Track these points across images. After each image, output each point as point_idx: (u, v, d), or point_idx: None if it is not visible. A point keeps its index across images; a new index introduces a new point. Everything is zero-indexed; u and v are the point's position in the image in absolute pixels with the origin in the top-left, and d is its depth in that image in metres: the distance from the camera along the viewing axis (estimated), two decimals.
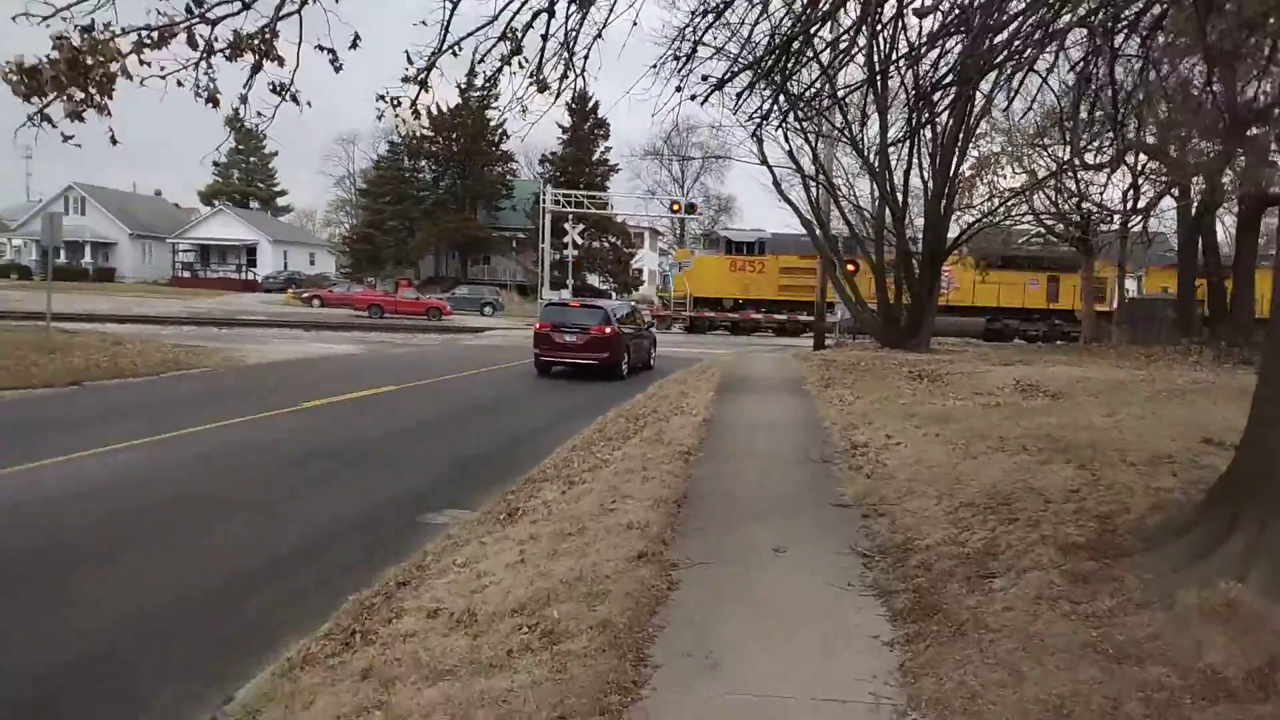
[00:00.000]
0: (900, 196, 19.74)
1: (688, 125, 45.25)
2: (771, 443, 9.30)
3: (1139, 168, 22.50)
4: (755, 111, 18.52)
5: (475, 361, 23.34)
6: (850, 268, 23.12)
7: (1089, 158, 24.55)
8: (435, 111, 59.69)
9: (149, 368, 18.84)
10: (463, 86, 60.05)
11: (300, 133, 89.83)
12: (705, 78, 6.41)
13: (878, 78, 18.20)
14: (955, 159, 19.29)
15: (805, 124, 19.21)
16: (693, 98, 6.22)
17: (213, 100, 4.53)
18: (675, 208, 47.49)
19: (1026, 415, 9.27)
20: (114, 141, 4.29)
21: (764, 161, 20.20)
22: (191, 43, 4.20)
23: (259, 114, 5.70)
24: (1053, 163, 24.96)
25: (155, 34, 4.04)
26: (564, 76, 6.45)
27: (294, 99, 5.88)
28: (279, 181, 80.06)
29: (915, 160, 19.21)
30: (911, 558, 5.29)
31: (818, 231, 22.03)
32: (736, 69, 6.78)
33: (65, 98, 3.83)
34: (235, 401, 14.85)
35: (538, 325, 20.95)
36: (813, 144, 20.27)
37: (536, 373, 20.73)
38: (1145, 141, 22.07)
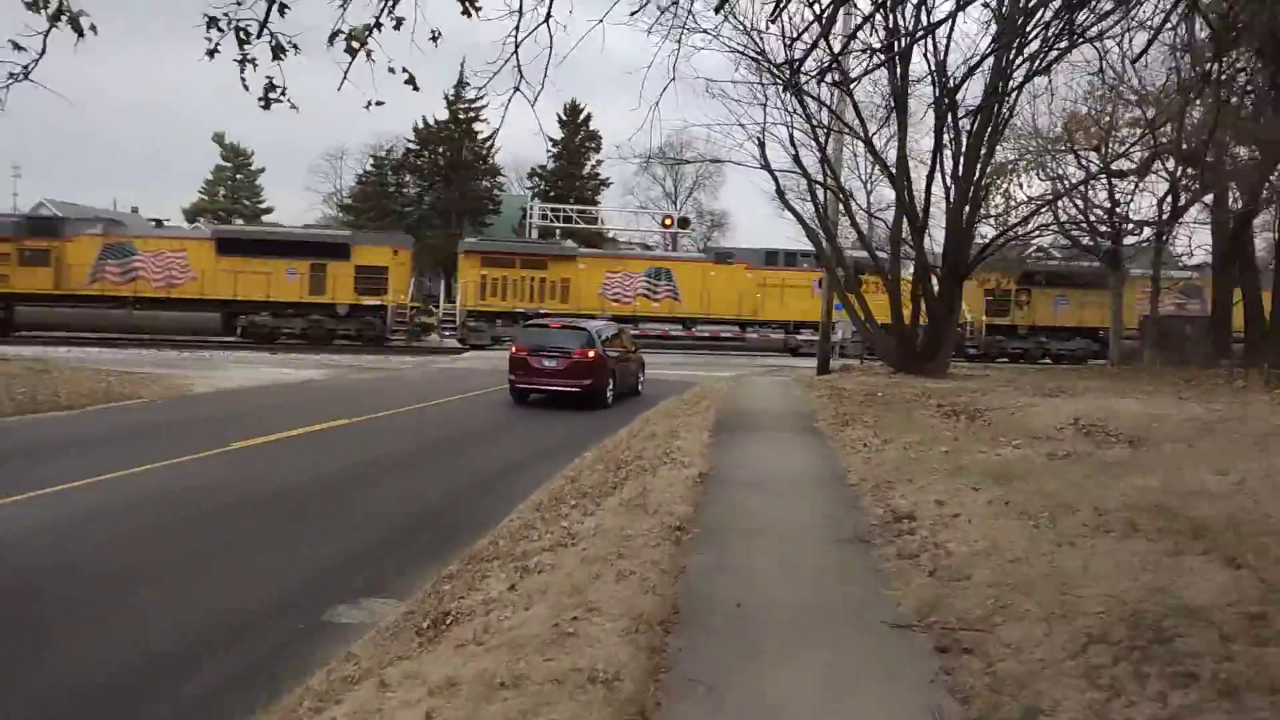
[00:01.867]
0: (920, 206, 17.75)
1: (682, 138, 43.40)
2: (787, 510, 7.25)
3: (1178, 174, 20.66)
4: (757, 103, 16.48)
5: (448, 388, 21.27)
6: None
7: (1115, 165, 22.76)
8: (421, 124, 57.94)
9: (74, 399, 16.70)
10: (450, 98, 58.30)
11: (289, 149, 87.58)
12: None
13: (896, 59, 16.34)
14: (980, 164, 17.35)
15: (813, 121, 17.35)
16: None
17: None
18: (667, 222, 45.61)
19: (1113, 473, 7.23)
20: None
21: (765, 166, 18.27)
22: None
23: None
24: (1077, 171, 23.17)
25: None
26: None
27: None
28: (265, 199, 77.97)
29: (938, 165, 17.30)
30: None
31: (824, 243, 20.03)
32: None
33: None
34: (160, 441, 12.82)
35: (513, 349, 18.94)
36: (821, 142, 18.32)
37: (513, 400, 18.73)
38: (1180, 145, 20.24)
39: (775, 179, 19.01)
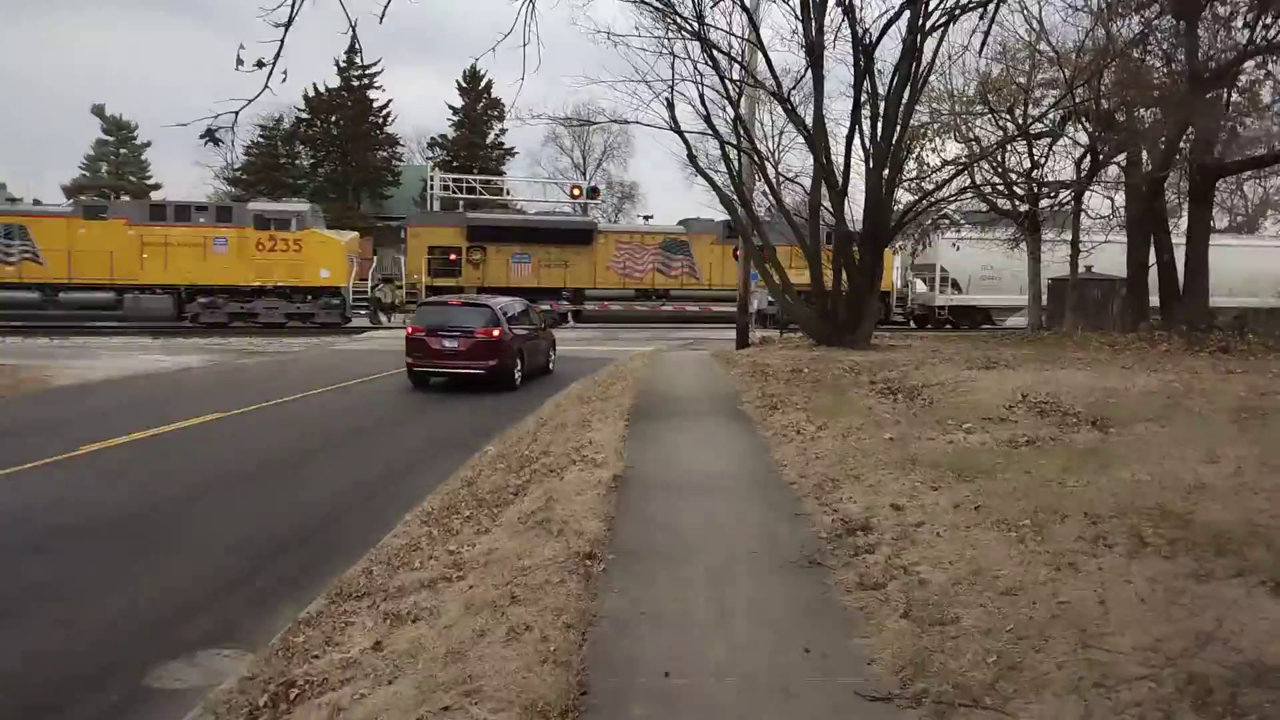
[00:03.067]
0: (840, 170, 16.73)
1: (588, 106, 42.00)
2: (718, 521, 6.08)
3: (1098, 134, 20.22)
4: (664, 55, 15.27)
5: (342, 373, 19.55)
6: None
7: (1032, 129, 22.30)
8: (312, 91, 54.81)
9: None
10: (342, 64, 55.28)
11: (178, 121, 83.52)
12: None
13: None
14: (900, 126, 16.42)
15: (724, 77, 16.07)
16: None
17: None
18: (575, 192, 44.03)
19: (1091, 464, 6.27)
20: None
21: (675, 127, 16.96)
22: None
23: None
24: (993, 134, 22.64)
25: None
26: None
27: None
28: (152, 174, 73.25)
29: (858, 127, 16.26)
30: None
31: (739, 209, 18.91)
32: None
33: None
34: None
35: (409, 329, 17.40)
36: (734, 99, 17.06)
37: (412, 385, 17.25)
38: (1094, 107, 19.82)
39: (686, 142, 17.78)
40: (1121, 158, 22.08)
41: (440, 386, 17.28)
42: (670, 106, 16.92)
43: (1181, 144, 20.40)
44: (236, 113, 3.67)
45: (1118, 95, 19.23)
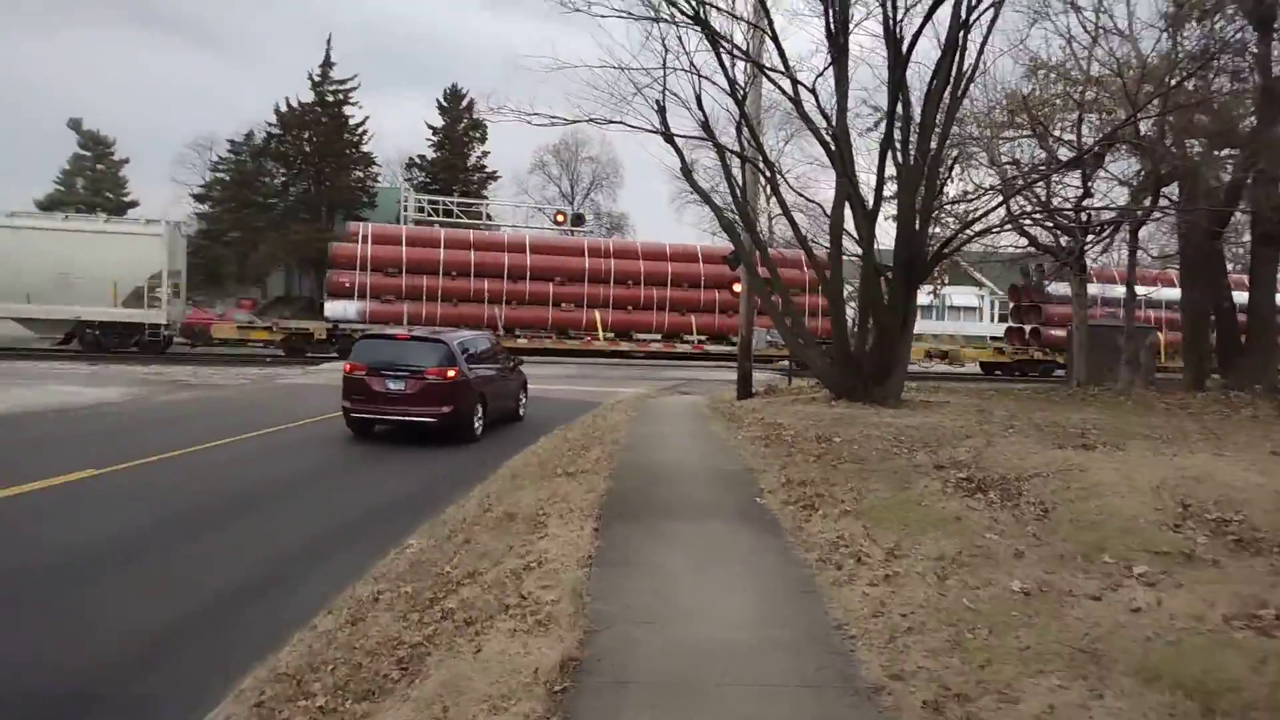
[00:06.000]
0: (870, 191, 13.74)
1: (576, 138, 39.26)
2: None
3: (1159, 157, 17.48)
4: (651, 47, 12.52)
5: (278, 414, 16.43)
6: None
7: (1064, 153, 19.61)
8: (284, 106, 51.92)
9: None
10: (316, 78, 52.50)
11: (155, 139, 79.56)
12: None
13: None
14: (940, 137, 13.62)
15: (731, 54, 13.10)
16: None
17: None
18: (560, 219, 41.32)
19: None
20: None
21: (666, 132, 13.96)
22: None
23: None
24: (1031, 158, 19.94)
25: None
26: None
27: None
28: (130, 191, 70.18)
29: (891, 142, 13.32)
30: None
31: (742, 233, 15.99)
32: None
33: None
34: None
35: (347, 367, 14.39)
36: (740, 98, 13.94)
37: (352, 433, 14.26)
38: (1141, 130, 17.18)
39: (679, 151, 14.69)
40: (1174, 189, 19.36)
41: (384, 436, 14.31)
42: (661, 110, 14.05)
43: (1248, 177, 17.73)
44: None
45: (1182, 115, 16.59)
